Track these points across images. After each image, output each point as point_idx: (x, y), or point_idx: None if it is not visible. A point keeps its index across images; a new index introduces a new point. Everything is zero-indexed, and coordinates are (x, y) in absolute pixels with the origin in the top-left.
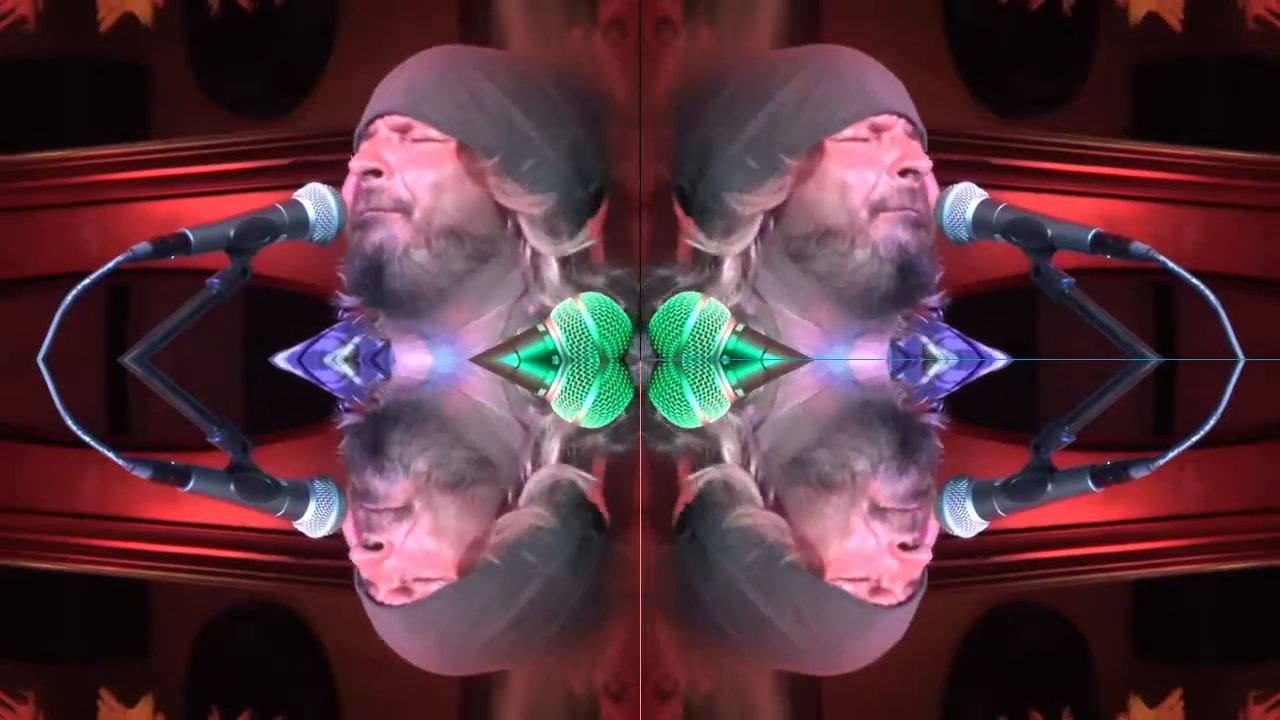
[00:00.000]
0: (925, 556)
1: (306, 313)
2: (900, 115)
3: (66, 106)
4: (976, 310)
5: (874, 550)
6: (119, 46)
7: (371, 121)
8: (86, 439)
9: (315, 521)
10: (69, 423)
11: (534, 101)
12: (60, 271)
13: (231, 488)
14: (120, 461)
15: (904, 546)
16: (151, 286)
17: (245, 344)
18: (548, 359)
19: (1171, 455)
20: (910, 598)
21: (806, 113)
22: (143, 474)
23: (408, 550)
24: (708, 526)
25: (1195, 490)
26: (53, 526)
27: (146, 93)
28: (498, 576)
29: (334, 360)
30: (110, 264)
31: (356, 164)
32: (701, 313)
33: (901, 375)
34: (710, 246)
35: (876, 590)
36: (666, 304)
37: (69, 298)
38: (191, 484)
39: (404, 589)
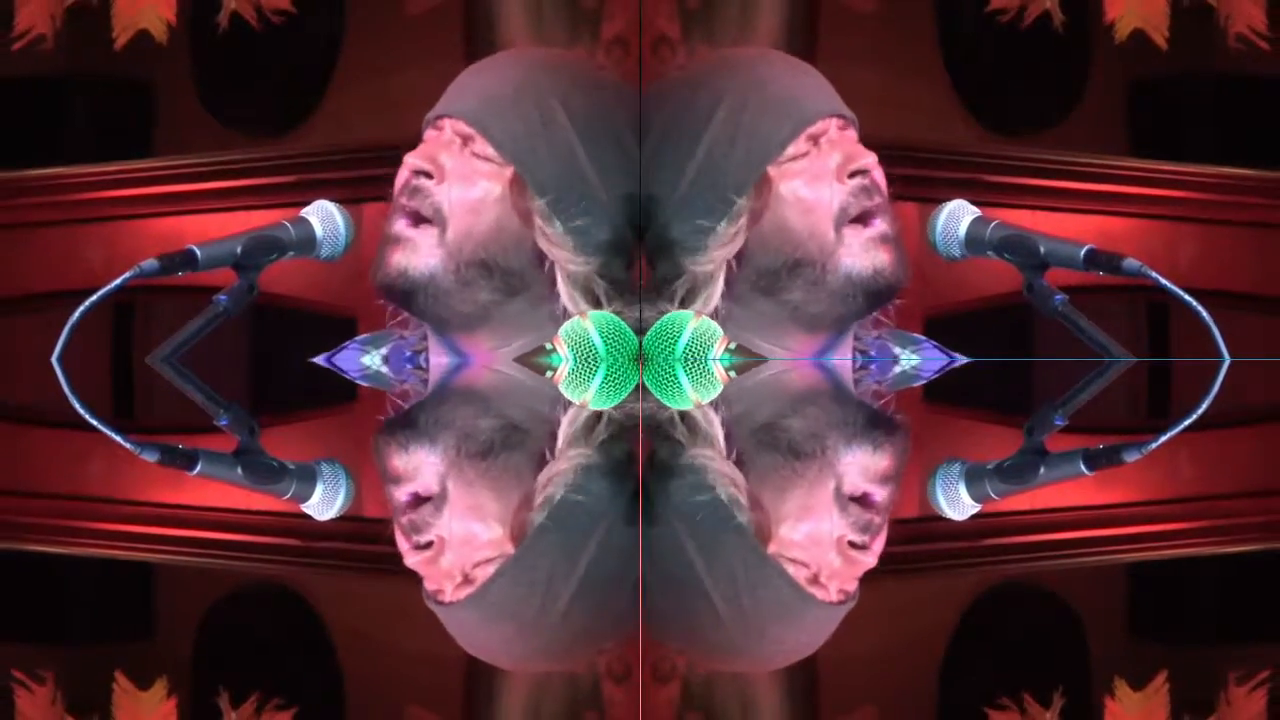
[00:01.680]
0: (869, 561)
1: (313, 329)
2: (830, 115)
3: (73, 124)
4: (972, 327)
5: (824, 538)
6: (131, 65)
7: (441, 118)
8: (96, 424)
9: (323, 504)
10: (79, 409)
11: (603, 142)
12: (64, 288)
13: (239, 471)
14: (129, 446)
15: (853, 545)
16: (157, 303)
17: (251, 360)
18: None
19: (1163, 439)
20: (842, 603)
21: (741, 144)
22: (151, 458)
23: (457, 538)
24: (675, 496)
25: (1185, 474)
26: (67, 511)
27: (153, 110)
28: (553, 539)
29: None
30: (118, 280)
31: (412, 159)
32: (694, 330)
33: (869, 369)
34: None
35: (814, 581)
36: (659, 322)
37: (77, 313)
38: (199, 468)
39: (467, 580)
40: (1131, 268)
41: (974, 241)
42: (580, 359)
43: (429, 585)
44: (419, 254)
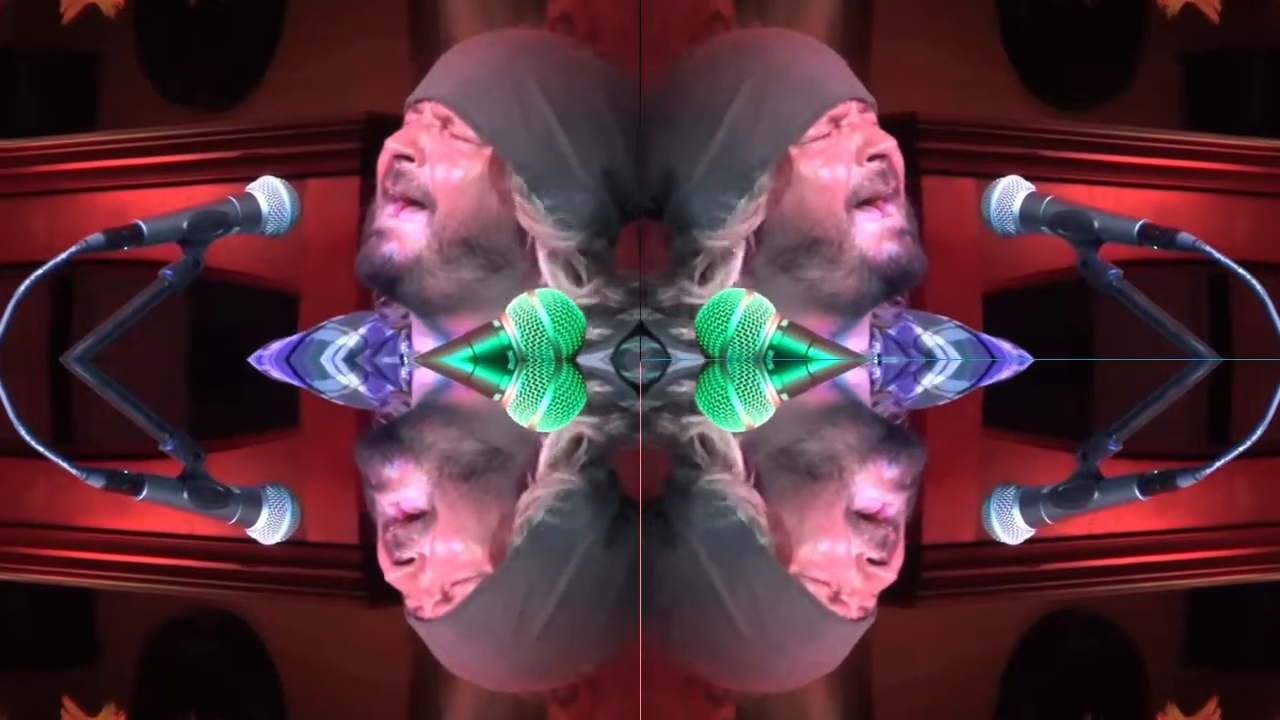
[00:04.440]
0: (889, 576)
1: (257, 305)
2: (851, 99)
3: (18, 97)
4: (1029, 304)
5: (843, 556)
6: (78, 38)
7: (420, 101)
8: (40, 449)
9: (268, 528)
10: (22, 433)
11: (581, 121)
12: (8, 261)
13: (185, 496)
14: (75, 471)
15: (872, 561)
16: (97, 278)
17: (191, 334)
18: (502, 355)
19: (1218, 465)
20: (861, 620)
21: (764, 124)
22: (97, 484)
23: (439, 557)
24: (687, 507)
25: (1240, 500)
26: (10, 537)
27: (98, 83)
28: (532, 560)
29: (335, 360)
30: (64, 254)
31: (393, 144)
32: (746, 308)
33: (892, 387)
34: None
35: (835, 599)
36: (711, 300)
37: (22, 289)
38: (145, 493)
39: (446, 598)
40: (1185, 242)
41: (1028, 218)
42: (528, 337)
43: (409, 602)
44: (405, 241)
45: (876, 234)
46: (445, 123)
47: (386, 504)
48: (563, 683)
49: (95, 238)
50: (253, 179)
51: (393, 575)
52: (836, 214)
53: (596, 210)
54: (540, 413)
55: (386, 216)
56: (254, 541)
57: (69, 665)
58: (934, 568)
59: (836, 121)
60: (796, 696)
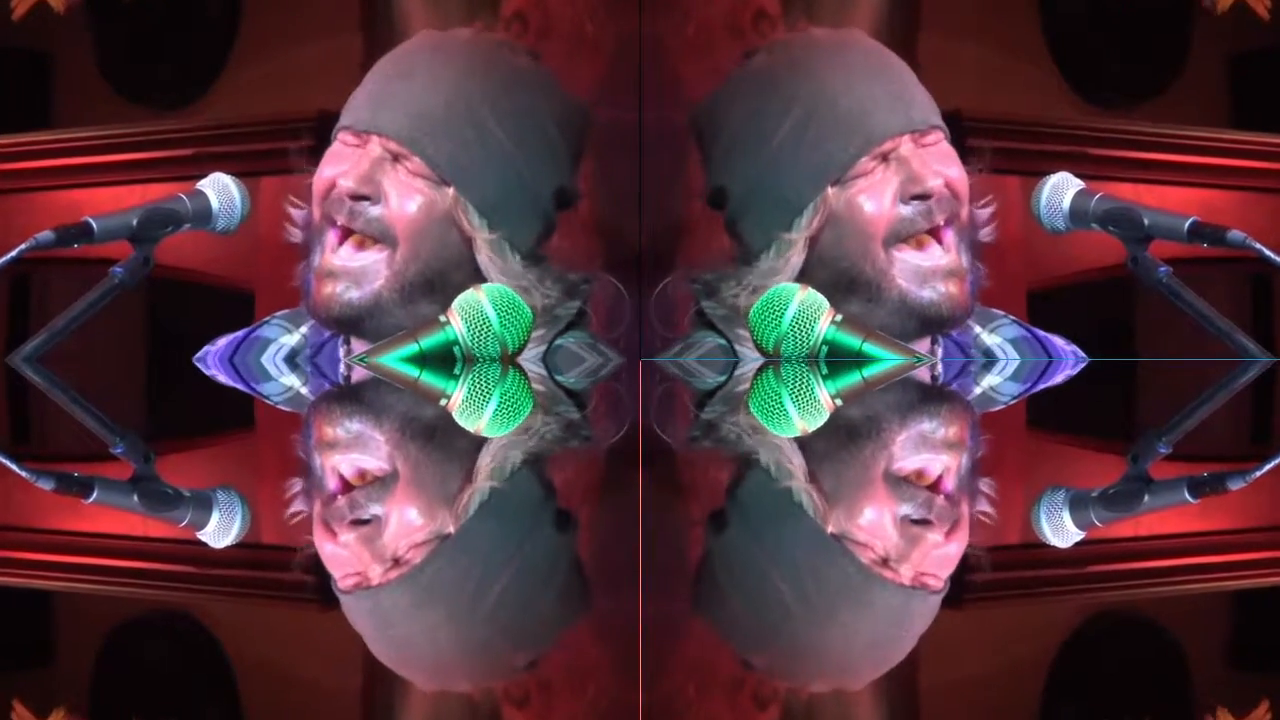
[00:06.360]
0: (940, 540)
1: (209, 302)
2: (902, 133)
3: None
4: (1074, 302)
5: (886, 520)
6: (29, 35)
7: (368, 132)
8: None
9: (218, 531)
10: None
11: (534, 143)
12: None
13: (135, 499)
14: (24, 474)
15: (914, 522)
16: (53, 275)
17: (147, 332)
18: (448, 350)
19: (1269, 466)
20: (917, 588)
21: (804, 159)
22: (46, 486)
23: (396, 518)
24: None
25: None
26: None
27: (50, 81)
28: (490, 528)
29: (275, 358)
30: (13, 252)
31: (344, 181)
32: (801, 303)
33: (954, 386)
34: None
35: (881, 564)
36: (765, 295)
37: None
38: (95, 495)
39: (398, 562)
40: (1236, 240)
41: (1078, 214)
42: (474, 332)
43: (349, 574)
44: (361, 280)
45: (921, 273)
46: (397, 158)
47: (333, 472)
48: (504, 673)
49: (45, 235)
50: (205, 177)
51: (345, 538)
52: (873, 254)
53: (544, 231)
54: (486, 418)
55: (335, 253)
56: (206, 544)
57: (19, 668)
58: (981, 569)
59: (884, 157)
60: (843, 696)
